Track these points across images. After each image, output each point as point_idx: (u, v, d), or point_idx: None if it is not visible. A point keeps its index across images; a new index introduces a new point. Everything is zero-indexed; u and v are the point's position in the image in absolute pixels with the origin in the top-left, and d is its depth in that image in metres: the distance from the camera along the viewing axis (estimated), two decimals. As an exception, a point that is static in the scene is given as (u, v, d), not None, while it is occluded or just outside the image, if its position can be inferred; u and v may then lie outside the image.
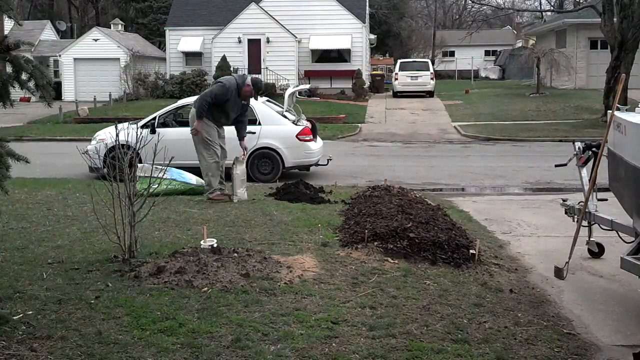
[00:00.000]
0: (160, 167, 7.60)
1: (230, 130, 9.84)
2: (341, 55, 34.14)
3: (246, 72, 32.25)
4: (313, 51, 33.85)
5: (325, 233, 7.17)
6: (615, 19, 21.66)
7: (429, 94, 34.40)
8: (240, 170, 9.35)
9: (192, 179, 10.21)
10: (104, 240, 6.68)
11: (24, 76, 4.46)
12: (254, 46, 32.89)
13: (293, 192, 9.29)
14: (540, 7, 54.63)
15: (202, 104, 9.23)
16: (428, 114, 27.29)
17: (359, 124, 23.68)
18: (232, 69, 31.44)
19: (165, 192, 8.69)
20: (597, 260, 6.80)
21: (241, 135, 9.69)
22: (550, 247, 7.30)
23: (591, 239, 6.86)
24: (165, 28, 35.79)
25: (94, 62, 35.78)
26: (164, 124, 12.40)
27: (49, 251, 6.55)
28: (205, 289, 5.29)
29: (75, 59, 36.20)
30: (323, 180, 11.80)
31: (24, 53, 4.64)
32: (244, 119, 9.71)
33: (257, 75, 31.81)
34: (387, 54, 52.43)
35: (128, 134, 7.33)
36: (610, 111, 6.06)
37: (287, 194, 9.30)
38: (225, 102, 9.24)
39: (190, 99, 14.24)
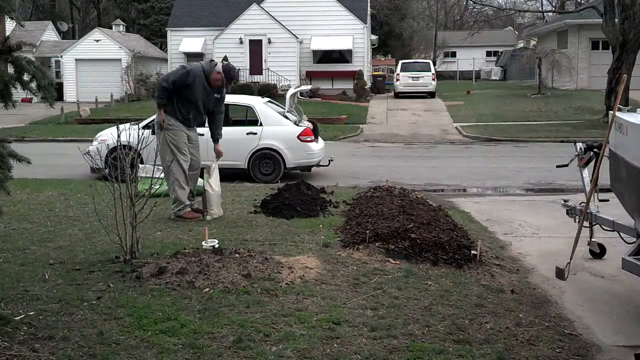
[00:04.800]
0: (162, 167, 7.60)
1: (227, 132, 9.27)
2: (342, 56, 34.15)
3: (247, 73, 32.29)
4: (314, 52, 33.86)
5: (327, 234, 7.17)
6: (616, 20, 21.65)
7: (431, 94, 34.41)
8: (214, 183, 7.96)
9: (194, 179, 10.20)
10: (105, 241, 6.69)
11: (25, 77, 4.47)
12: (256, 47, 32.92)
13: (293, 193, 9.25)
14: (542, 8, 54.61)
15: (159, 89, 7.87)
16: (429, 114, 27.28)
17: (361, 125, 23.68)
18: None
19: (167, 193, 8.69)
20: (599, 261, 6.80)
21: (215, 136, 8.35)
22: (551, 248, 7.30)
23: (592, 240, 6.86)
24: (166, 29, 35.83)
25: (95, 62, 35.82)
26: (166, 125, 12.40)
27: (51, 252, 6.55)
28: (207, 289, 5.30)
29: (76, 60, 36.25)
30: (324, 180, 11.80)
31: (25, 54, 4.64)
32: (218, 116, 8.30)
33: (258, 76, 32.06)
34: (388, 55, 52.50)
35: (129, 134, 7.34)
36: (612, 112, 6.07)
37: (279, 203, 8.47)
38: (189, 90, 7.84)
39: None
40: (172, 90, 7.85)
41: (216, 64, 8.10)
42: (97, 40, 36.34)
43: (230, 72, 8.11)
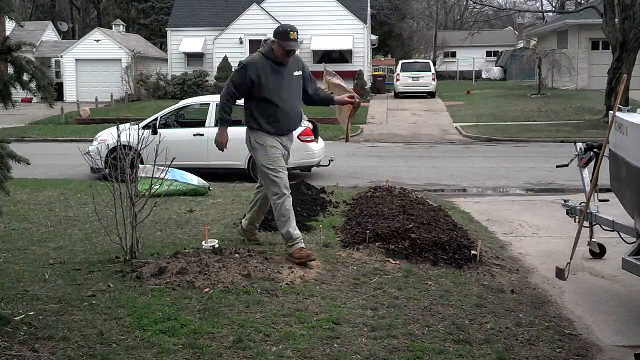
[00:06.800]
0: (162, 168, 7.61)
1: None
2: (343, 56, 34.14)
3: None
4: (314, 52, 33.85)
5: (327, 233, 7.17)
6: (616, 20, 21.66)
7: (431, 94, 34.42)
8: None
9: (194, 179, 10.22)
10: (105, 241, 6.69)
11: (25, 77, 4.46)
12: (256, 47, 32.32)
13: (293, 193, 9.23)
14: (542, 8, 54.62)
15: (222, 103, 6.44)
16: (429, 114, 27.28)
17: (361, 125, 23.67)
18: (233, 69, 31.48)
19: (167, 193, 8.69)
20: (599, 261, 6.80)
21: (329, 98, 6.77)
22: (551, 248, 7.30)
23: (592, 240, 6.86)
24: (166, 29, 35.83)
25: (95, 62, 35.81)
26: (166, 125, 12.42)
27: (51, 252, 6.55)
28: (207, 289, 5.29)
29: (76, 60, 36.24)
30: (324, 181, 11.80)
31: (25, 54, 4.63)
32: (316, 94, 6.63)
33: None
34: (388, 55, 52.50)
35: (130, 134, 7.34)
36: (612, 112, 6.06)
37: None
38: (259, 88, 6.18)
39: (192, 100, 14.27)
40: (238, 97, 6.38)
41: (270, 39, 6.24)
42: (97, 40, 36.33)
43: (282, 34, 6.08)
